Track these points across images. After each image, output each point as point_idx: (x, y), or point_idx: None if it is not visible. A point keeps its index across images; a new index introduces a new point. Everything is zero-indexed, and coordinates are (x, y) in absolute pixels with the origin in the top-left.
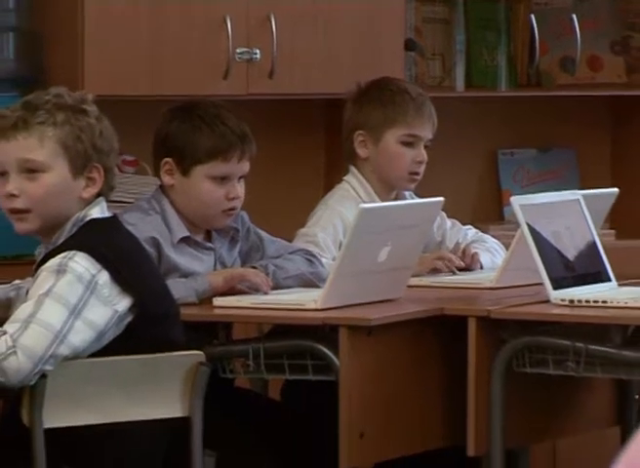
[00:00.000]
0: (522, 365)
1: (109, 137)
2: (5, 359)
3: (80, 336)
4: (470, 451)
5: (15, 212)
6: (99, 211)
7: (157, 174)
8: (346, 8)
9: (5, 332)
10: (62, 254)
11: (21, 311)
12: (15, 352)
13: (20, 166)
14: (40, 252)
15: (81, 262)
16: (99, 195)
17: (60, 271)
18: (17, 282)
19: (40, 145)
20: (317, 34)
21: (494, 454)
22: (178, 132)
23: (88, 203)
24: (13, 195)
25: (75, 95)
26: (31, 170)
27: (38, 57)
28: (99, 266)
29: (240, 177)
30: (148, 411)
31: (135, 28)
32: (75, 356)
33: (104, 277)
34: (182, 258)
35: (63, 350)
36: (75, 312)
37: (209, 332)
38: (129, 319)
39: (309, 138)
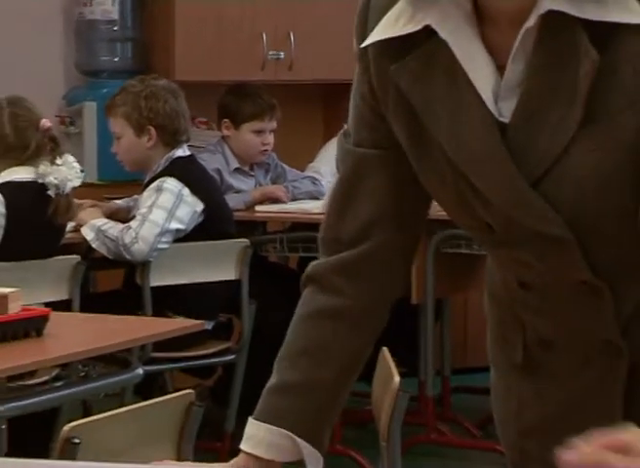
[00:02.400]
0: (446, 247)
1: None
2: (132, 245)
3: (174, 226)
4: (413, 300)
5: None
6: (181, 151)
7: (219, 129)
8: (337, 30)
9: (130, 227)
10: (159, 179)
11: (138, 214)
12: (137, 241)
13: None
14: (146, 177)
15: (171, 182)
16: (167, 142)
17: (159, 190)
18: (135, 196)
19: (115, 120)
20: (319, 44)
21: (428, 302)
22: (232, 102)
23: (172, 147)
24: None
25: (147, 82)
26: (117, 136)
27: (146, 56)
28: (181, 184)
29: (271, 131)
30: (214, 275)
31: (206, 39)
32: (174, 238)
33: (186, 190)
34: (235, 181)
35: (167, 236)
36: (171, 213)
37: (252, 227)
38: (201, 218)
39: (314, 107)
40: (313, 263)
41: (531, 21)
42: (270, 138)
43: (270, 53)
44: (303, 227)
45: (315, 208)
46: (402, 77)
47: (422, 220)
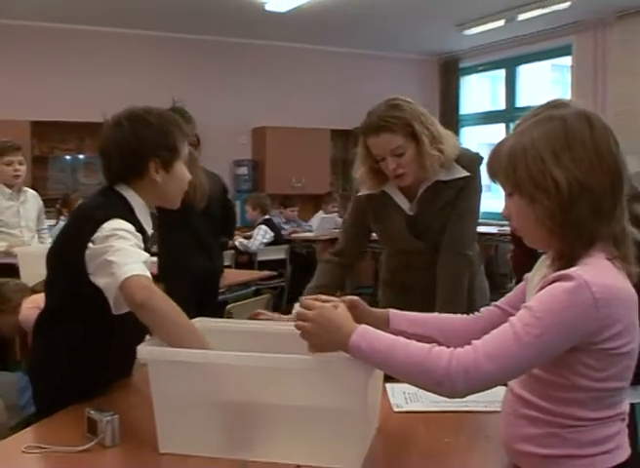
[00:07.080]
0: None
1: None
2: (251, 247)
3: (265, 241)
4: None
5: None
6: (267, 216)
7: (279, 209)
8: (323, 174)
9: (249, 241)
10: (259, 226)
11: (253, 237)
12: (253, 245)
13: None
14: (255, 224)
15: (263, 226)
16: (263, 213)
17: (259, 229)
18: (254, 231)
19: (247, 206)
20: (315, 180)
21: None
22: (283, 201)
23: (264, 215)
24: None
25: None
26: (246, 211)
27: (256, 185)
28: (267, 227)
29: (297, 210)
30: (278, 256)
31: (275, 180)
32: (265, 244)
33: (268, 229)
34: (285, 226)
35: (262, 244)
36: (263, 236)
37: (290, 240)
38: (273, 238)
39: (311, 203)
40: (329, 253)
41: (423, 187)
42: (296, 213)
43: (295, 184)
44: (307, 241)
45: (312, 236)
46: (375, 207)
47: (366, 245)
